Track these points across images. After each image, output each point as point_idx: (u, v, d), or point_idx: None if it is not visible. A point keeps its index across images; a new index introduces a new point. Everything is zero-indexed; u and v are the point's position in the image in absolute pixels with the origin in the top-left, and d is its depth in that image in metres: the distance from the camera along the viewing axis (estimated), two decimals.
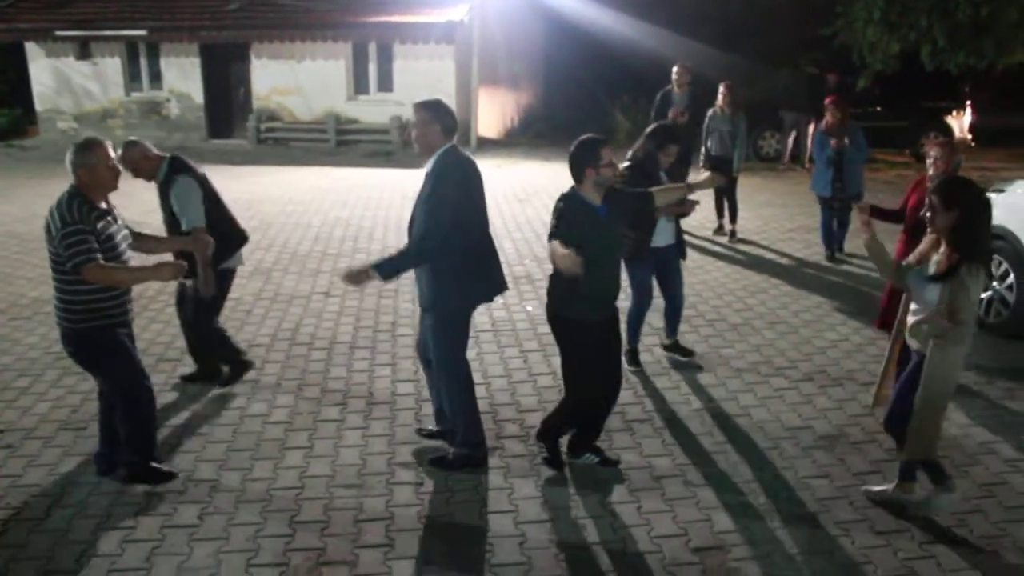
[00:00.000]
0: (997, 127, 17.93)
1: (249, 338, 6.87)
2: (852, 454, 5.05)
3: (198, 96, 19.62)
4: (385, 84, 18.87)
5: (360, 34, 18.19)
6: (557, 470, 4.81)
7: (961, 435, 5.22)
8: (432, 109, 4.57)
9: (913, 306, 4.33)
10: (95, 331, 4.39)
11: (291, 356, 6.53)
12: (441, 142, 4.53)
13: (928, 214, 4.15)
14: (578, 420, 4.86)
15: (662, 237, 6.09)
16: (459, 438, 4.85)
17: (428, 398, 5.74)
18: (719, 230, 10.34)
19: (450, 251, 4.48)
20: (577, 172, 4.49)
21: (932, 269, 4.15)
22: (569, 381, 4.74)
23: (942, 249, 4.14)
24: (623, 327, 5.23)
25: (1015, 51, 14.65)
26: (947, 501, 4.33)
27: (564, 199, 4.52)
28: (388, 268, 4.60)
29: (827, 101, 9.11)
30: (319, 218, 11.40)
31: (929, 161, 5.79)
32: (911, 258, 4.40)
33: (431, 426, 5.22)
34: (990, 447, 5.07)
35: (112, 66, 19.84)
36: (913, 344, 4.32)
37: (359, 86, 19.03)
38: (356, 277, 4.56)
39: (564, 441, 4.96)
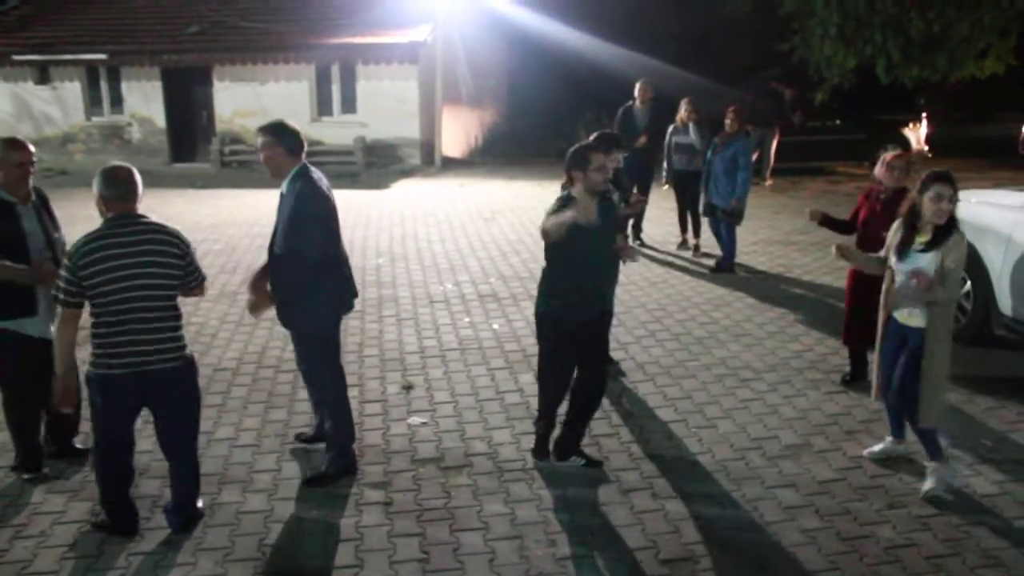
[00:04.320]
0: (952, 138, 18.31)
1: (214, 362, 6.83)
2: (817, 463, 5.11)
3: (160, 120, 19.52)
4: (349, 105, 18.87)
5: (323, 56, 18.21)
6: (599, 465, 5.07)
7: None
8: (273, 132, 4.62)
9: (901, 289, 4.78)
10: None
11: (257, 379, 6.49)
12: (289, 162, 4.60)
13: (948, 204, 4.62)
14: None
15: None
16: (333, 447, 4.95)
17: (396, 418, 5.78)
18: (683, 244, 10.45)
19: (320, 265, 4.66)
20: (568, 175, 4.83)
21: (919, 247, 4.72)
22: (599, 375, 5.09)
23: (923, 230, 4.72)
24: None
25: (966, 65, 14.99)
26: (948, 475, 4.78)
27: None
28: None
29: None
30: None
31: (890, 173, 5.89)
32: (883, 252, 5.00)
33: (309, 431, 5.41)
34: (951, 452, 5.15)
35: (72, 91, 19.69)
36: (913, 322, 4.77)
37: (323, 108, 19.01)
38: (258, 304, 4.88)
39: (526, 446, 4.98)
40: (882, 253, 5.04)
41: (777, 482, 4.89)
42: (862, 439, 5.39)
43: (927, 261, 4.68)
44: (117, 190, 4.09)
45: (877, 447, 5.20)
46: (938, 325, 4.68)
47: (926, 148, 17.28)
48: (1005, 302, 6.56)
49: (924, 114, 17.35)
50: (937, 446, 4.79)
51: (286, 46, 18.07)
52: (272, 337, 7.34)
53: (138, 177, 4.17)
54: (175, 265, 4.15)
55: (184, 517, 4.44)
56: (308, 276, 4.61)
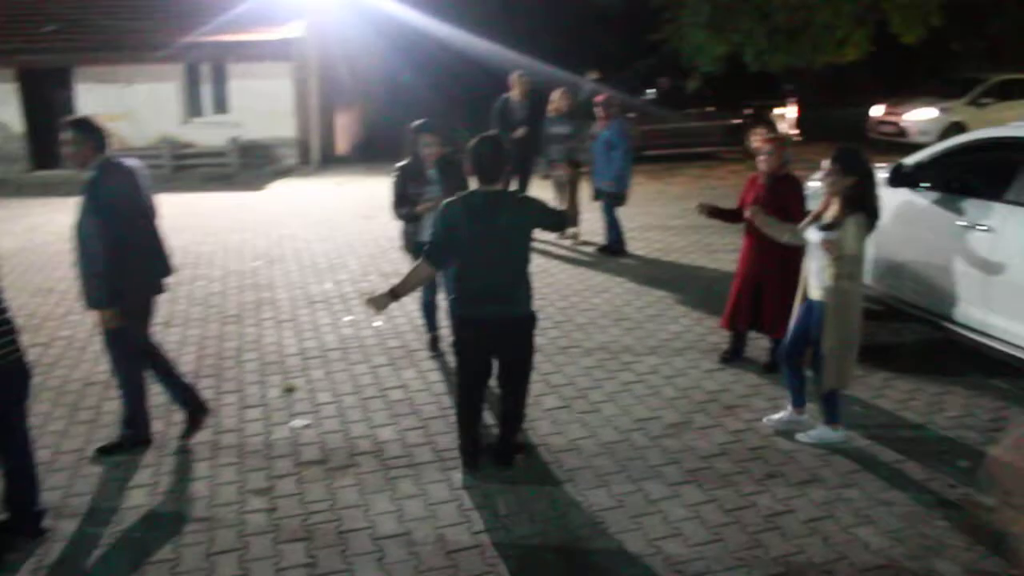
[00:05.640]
0: (818, 121, 19.07)
1: (84, 376, 6.52)
2: (699, 439, 5.23)
3: (16, 125, 18.49)
4: (221, 106, 18.29)
5: (192, 54, 17.58)
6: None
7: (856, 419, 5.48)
8: (82, 128, 4.85)
9: (813, 263, 5.05)
10: None
11: None
12: (95, 155, 4.84)
13: (828, 178, 4.89)
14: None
15: None
16: (126, 418, 5.23)
17: (278, 422, 5.63)
18: (562, 234, 10.52)
19: (122, 246, 4.77)
20: (499, 171, 4.77)
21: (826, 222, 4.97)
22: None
23: (833, 206, 4.94)
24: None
25: (828, 51, 15.63)
26: (830, 439, 5.12)
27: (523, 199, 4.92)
28: (99, 298, 4.82)
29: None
30: None
31: (761, 158, 5.95)
32: (808, 219, 5.19)
33: None
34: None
35: None
36: (816, 294, 5.00)
37: (193, 108, 18.40)
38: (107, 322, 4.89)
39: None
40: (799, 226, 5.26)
41: (661, 460, 4.98)
42: (741, 414, 5.54)
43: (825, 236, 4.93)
44: None
45: (776, 415, 5.39)
46: (834, 298, 4.86)
47: (795, 132, 17.97)
48: (867, 274, 6.83)
49: (793, 99, 18.02)
50: (835, 411, 5.12)
51: (152, 45, 17.36)
52: None
53: None
54: None
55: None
56: (110, 254, 4.71)
